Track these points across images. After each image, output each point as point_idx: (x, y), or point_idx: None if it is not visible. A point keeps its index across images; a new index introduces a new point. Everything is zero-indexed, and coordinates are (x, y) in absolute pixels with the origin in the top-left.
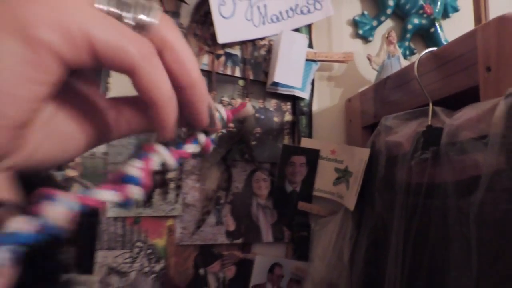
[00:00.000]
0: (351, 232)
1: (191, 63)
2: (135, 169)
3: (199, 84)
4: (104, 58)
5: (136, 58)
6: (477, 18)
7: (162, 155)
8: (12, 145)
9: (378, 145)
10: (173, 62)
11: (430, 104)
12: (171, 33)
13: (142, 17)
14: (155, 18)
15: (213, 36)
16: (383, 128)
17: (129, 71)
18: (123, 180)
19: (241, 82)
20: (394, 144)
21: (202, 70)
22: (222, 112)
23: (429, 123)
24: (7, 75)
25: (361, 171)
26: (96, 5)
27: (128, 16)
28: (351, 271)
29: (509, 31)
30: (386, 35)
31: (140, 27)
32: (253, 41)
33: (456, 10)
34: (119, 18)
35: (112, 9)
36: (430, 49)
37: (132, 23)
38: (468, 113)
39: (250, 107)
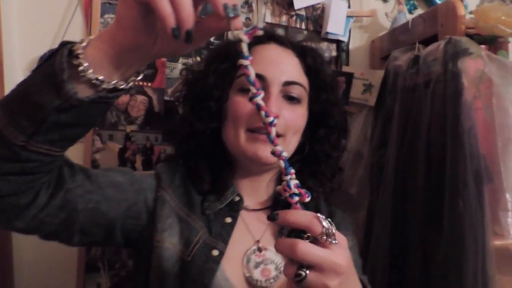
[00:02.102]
0: (371, 120)
1: None
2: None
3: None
4: None
5: None
6: None
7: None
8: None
9: (389, 68)
10: None
11: (417, 43)
12: None
13: None
14: None
15: (288, 4)
16: (392, 57)
17: None
18: None
19: (305, 32)
20: (397, 66)
21: (282, 25)
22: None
23: (416, 53)
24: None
25: (379, 83)
26: None
27: None
28: (371, 142)
29: (450, 7)
30: None
31: None
32: (313, 6)
33: None
34: None
35: None
36: (419, 13)
37: None
38: (430, 48)
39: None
